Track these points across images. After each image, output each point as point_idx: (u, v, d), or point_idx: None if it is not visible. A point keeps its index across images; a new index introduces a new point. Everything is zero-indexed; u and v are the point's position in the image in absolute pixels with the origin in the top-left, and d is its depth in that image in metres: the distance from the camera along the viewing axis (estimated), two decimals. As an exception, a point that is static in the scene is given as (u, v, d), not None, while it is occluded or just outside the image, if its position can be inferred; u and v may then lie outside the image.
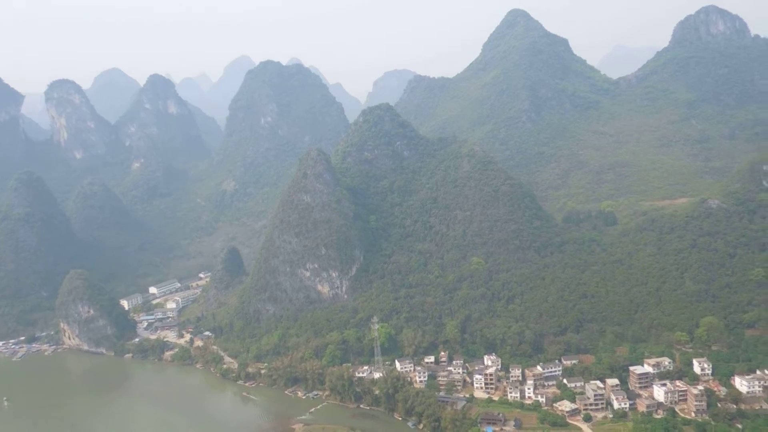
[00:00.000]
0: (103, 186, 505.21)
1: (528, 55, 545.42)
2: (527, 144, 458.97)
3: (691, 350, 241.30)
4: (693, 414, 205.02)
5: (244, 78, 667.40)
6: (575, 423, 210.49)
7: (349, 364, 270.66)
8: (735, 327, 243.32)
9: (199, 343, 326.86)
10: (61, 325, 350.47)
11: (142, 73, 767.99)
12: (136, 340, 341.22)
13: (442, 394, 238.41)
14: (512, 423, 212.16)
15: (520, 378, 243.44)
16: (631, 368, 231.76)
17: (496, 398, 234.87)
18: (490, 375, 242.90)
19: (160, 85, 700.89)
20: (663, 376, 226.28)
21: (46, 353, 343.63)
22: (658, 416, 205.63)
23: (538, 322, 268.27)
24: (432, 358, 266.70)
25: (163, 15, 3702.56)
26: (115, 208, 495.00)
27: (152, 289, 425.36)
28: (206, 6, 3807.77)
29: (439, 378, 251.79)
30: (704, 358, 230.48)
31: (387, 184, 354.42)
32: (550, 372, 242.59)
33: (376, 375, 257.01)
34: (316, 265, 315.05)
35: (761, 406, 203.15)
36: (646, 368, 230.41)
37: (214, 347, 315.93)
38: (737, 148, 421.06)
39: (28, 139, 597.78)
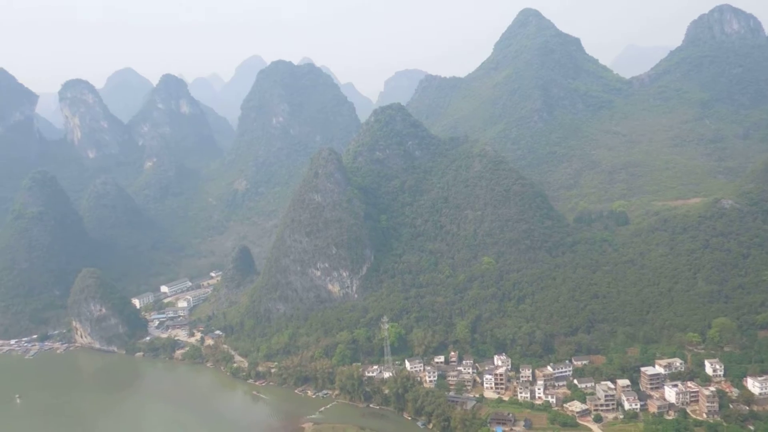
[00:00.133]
0: (116, 185, 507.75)
1: (540, 55, 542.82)
2: (539, 144, 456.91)
3: (703, 351, 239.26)
4: (705, 415, 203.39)
5: (255, 78, 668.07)
6: (585, 424, 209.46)
7: (359, 364, 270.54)
8: (748, 328, 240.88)
9: (209, 341, 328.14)
10: (74, 323, 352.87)
11: (154, 74, 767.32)
12: (148, 338, 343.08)
13: (451, 393, 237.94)
14: (522, 423, 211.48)
15: (531, 378, 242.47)
16: (642, 369, 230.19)
17: (506, 398, 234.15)
18: (500, 375, 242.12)
19: (172, 85, 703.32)
20: (674, 377, 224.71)
21: (58, 351, 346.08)
22: (670, 417, 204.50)
23: (548, 323, 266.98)
24: (442, 358, 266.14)
25: (177, 17, 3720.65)
26: (128, 208, 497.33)
27: (163, 288, 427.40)
28: (218, 8, 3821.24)
29: (449, 378, 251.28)
30: (716, 359, 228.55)
31: (398, 183, 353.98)
32: (561, 372, 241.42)
33: (386, 374, 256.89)
34: (326, 265, 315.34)
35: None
36: (658, 369, 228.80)
37: (225, 346, 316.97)
38: (751, 147, 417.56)
39: (42, 139, 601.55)
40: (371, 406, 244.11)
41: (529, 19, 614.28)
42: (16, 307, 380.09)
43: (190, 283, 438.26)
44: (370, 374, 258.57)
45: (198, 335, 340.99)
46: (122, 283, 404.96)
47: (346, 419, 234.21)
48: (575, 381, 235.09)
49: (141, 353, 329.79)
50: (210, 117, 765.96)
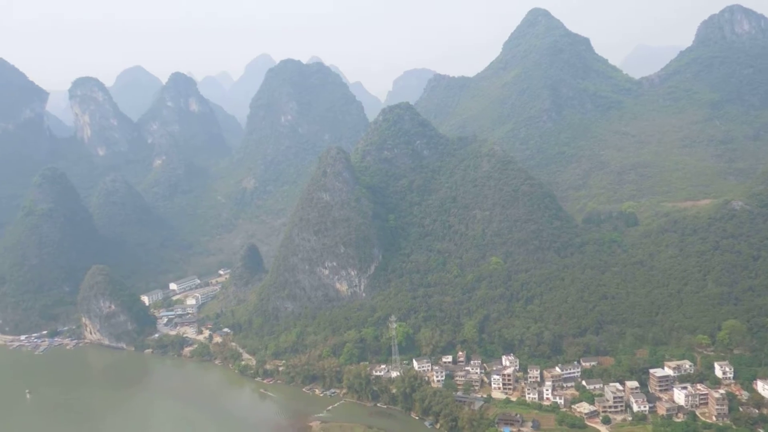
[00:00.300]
0: (125, 183, 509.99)
1: (549, 54, 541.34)
2: (548, 144, 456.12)
3: (712, 353, 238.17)
4: (714, 418, 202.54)
5: (264, 76, 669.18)
6: (594, 425, 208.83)
7: (367, 363, 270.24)
8: (758, 330, 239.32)
9: (218, 339, 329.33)
10: (83, 319, 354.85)
11: (164, 72, 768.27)
12: (156, 335, 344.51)
13: (459, 393, 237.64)
14: (530, 424, 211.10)
15: (539, 379, 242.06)
16: (651, 371, 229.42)
17: (513, 399, 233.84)
18: (508, 375, 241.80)
19: (182, 84, 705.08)
20: (683, 379, 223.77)
21: (67, 347, 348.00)
22: (679, 420, 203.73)
23: (557, 323, 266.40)
24: (450, 358, 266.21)
25: (187, 18, 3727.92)
26: (137, 205, 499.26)
27: (172, 286, 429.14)
28: (228, 7, 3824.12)
29: (457, 378, 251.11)
30: (726, 362, 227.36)
31: (406, 183, 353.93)
32: (569, 373, 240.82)
33: (394, 374, 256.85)
34: (334, 264, 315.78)
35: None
36: (667, 371, 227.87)
37: (233, 344, 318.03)
38: (762, 149, 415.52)
39: (52, 136, 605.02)
40: (379, 405, 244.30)
41: (538, 18, 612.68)
42: (27, 303, 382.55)
43: (198, 281, 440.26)
44: (378, 373, 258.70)
45: (206, 333, 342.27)
46: (131, 280, 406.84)
47: (353, 418, 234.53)
48: (583, 382, 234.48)
49: (150, 350, 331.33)
50: (219, 115, 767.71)
